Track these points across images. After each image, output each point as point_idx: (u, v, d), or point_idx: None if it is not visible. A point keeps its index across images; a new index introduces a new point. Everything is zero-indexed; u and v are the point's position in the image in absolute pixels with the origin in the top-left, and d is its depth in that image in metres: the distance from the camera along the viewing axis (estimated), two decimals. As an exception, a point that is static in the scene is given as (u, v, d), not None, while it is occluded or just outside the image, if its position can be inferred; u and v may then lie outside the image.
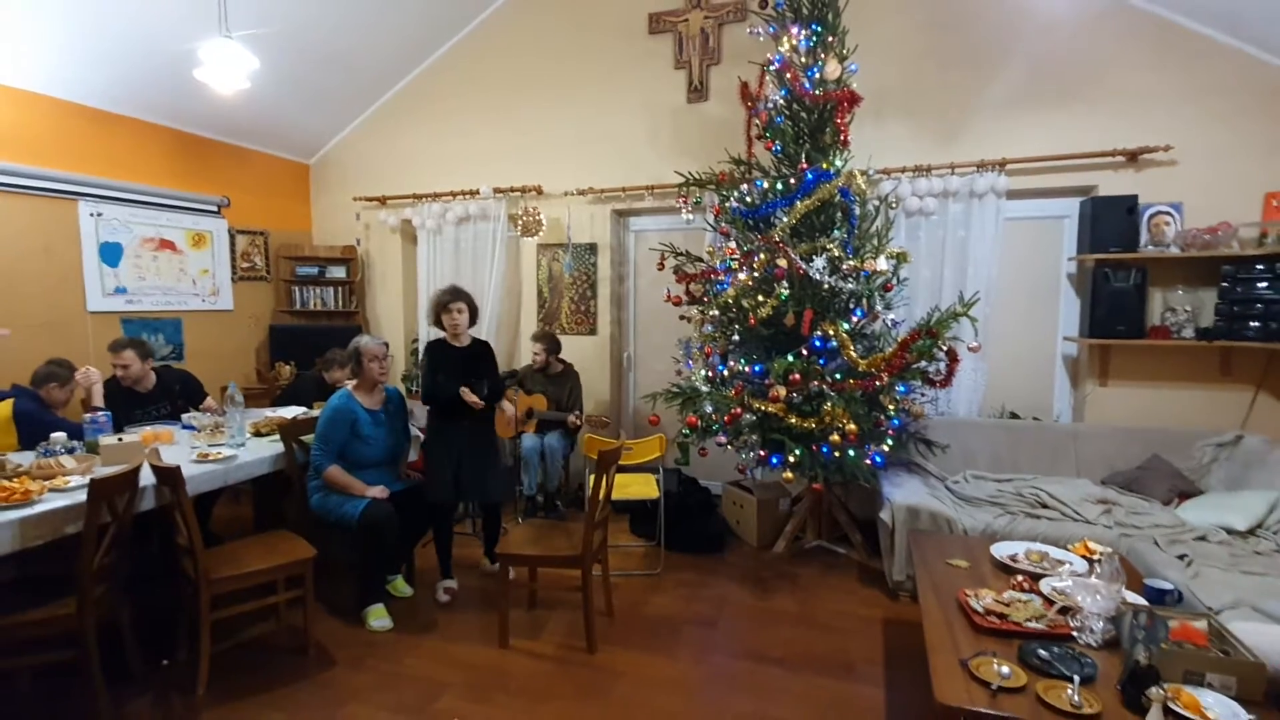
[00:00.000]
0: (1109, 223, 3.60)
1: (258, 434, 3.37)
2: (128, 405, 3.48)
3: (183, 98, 4.21)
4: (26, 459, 2.71)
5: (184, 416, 3.57)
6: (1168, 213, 3.60)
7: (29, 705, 2.37)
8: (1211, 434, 3.47)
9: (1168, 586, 2.18)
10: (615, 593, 3.23)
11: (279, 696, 2.45)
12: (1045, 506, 3.26)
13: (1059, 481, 3.47)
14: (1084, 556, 2.49)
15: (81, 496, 2.26)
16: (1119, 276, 3.58)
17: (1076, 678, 1.69)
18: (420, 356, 3.23)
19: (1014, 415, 4.10)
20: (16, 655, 2.21)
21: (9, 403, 3.04)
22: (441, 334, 3.40)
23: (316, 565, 2.77)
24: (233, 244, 5.03)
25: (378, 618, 2.99)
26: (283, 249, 5.40)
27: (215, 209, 4.87)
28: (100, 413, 3.07)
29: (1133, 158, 3.68)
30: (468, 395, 3.18)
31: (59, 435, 2.79)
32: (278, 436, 3.23)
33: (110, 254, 4.22)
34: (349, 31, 4.44)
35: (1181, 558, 2.66)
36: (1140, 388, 3.80)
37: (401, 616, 3.05)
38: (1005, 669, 1.76)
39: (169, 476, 2.39)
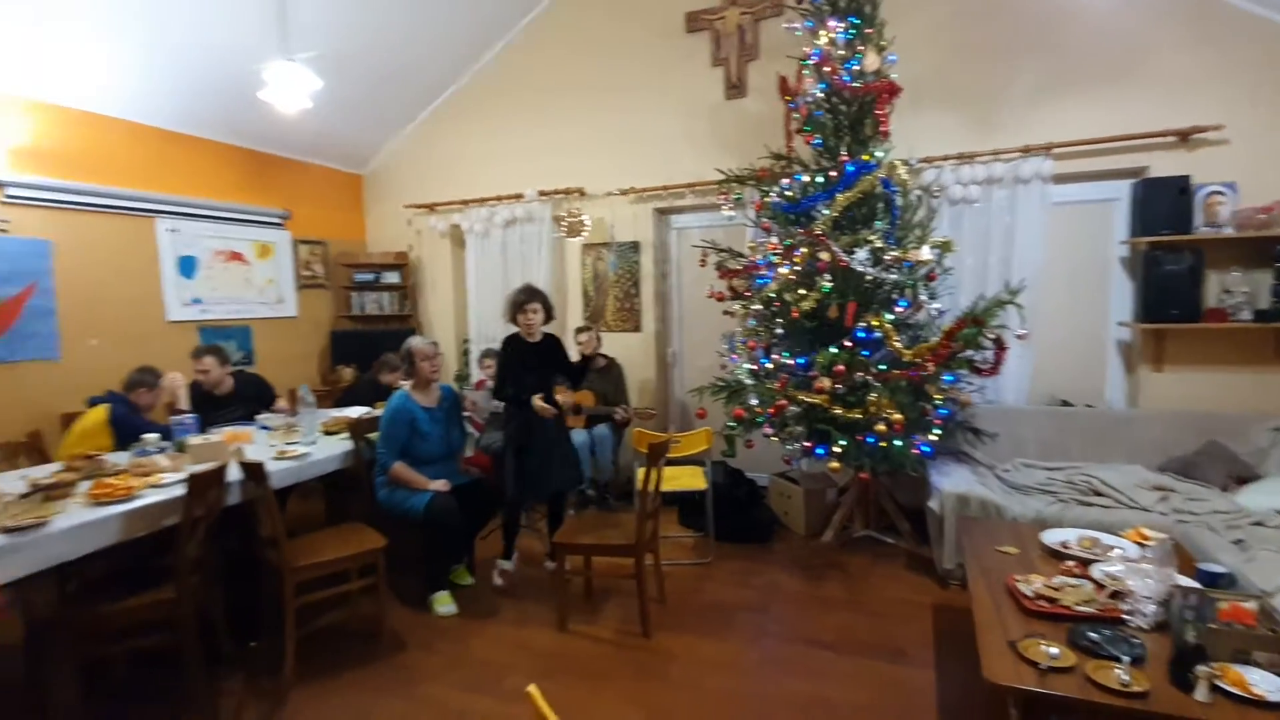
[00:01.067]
0: (1160, 204, 3.53)
1: (327, 433, 3.59)
2: (208, 408, 3.73)
3: (246, 116, 4.47)
4: (121, 459, 2.96)
5: (258, 417, 3.81)
6: (1221, 193, 3.51)
7: (132, 687, 2.61)
8: (1271, 418, 3.38)
9: (1220, 570, 2.17)
10: (667, 581, 3.35)
11: (358, 677, 2.64)
12: (1098, 494, 3.23)
13: (1112, 469, 3.43)
14: (1137, 542, 2.48)
15: (176, 492, 2.47)
16: (1171, 259, 3.51)
17: (1125, 658, 1.73)
18: (499, 351, 3.41)
19: (1064, 403, 4.05)
20: (121, 640, 2.44)
21: (105, 407, 3.31)
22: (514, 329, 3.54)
23: (385, 555, 2.96)
24: (295, 254, 5.31)
25: (443, 604, 3.17)
26: (340, 257, 5.66)
27: (278, 221, 5.15)
28: (187, 415, 3.32)
29: (1184, 137, 3.60)
30: (543, 409, 3.34)
31: (152, 436, 3.04)
32: (346, 435, 3.44)
33: (186, 267, 4.52)
34: (397, 47, 4.64)
35: (1237, 542, 2.63)
36: (1196, 372, 3.72)
37: (465, 603, 3.22)
38: (1054, 650, 1.80)
39: (254, 472, 2.59)
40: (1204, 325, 3.56)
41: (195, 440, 3.08)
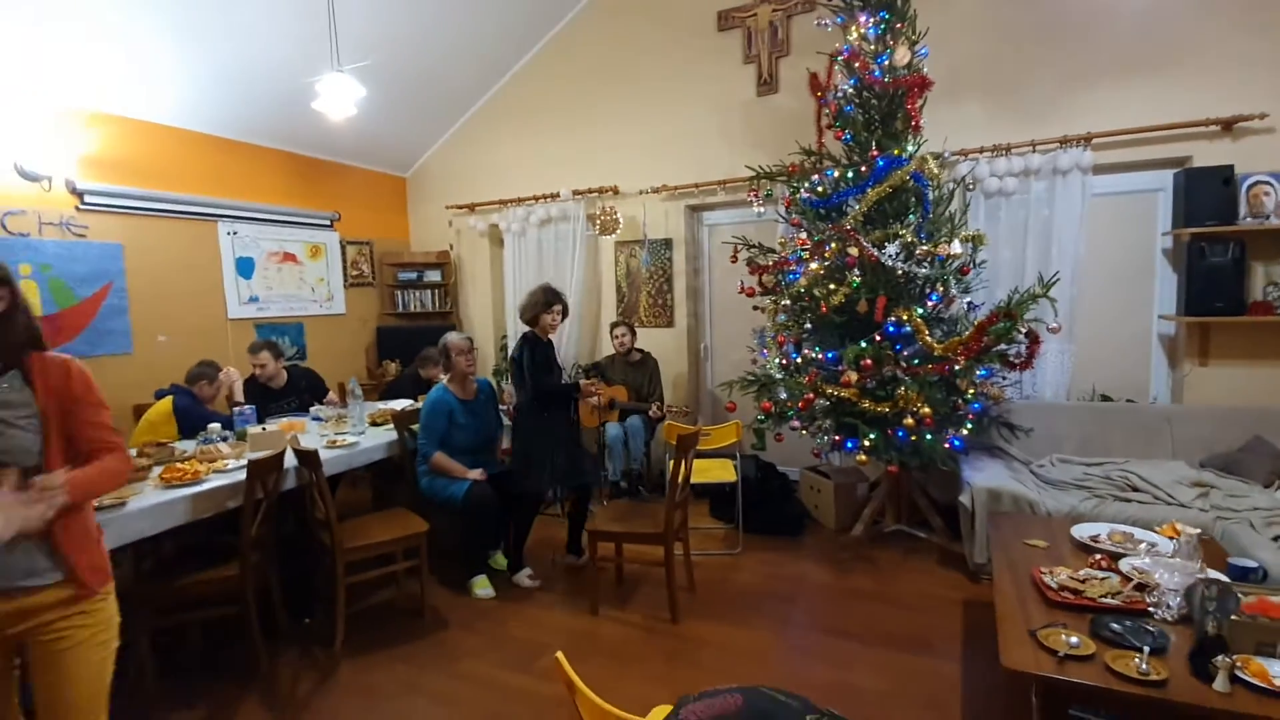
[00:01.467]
0: (1204, 195, 3.44)
1: (374, 424, 3.79)
2: (263, 400, 3.97)
3: (299, 124, 4.71)
4: (188, 446, 3.19)
5: (311, 409, 4.04)
6: (1268, 182, 3.40)
7: (202, 654, 2.83)
8: (1324, 413, 3.27)
9: (1252, 565, 2.15)
10: (696, 570, 3.43)
11: (403, 652, 2.80)
12: (1136, 490, 3.18)
13: (1151, 465, 3.37)
14: (1170, 538, 2.45)
15: (239, 476, 2.67)
16: (1215, 250, 3.42)
17: (1146, 648, 1.74)
18: (520, 351, 3.50)
19: (1105, 398, 3.98)
20: (190, 610, 2.65)
21: (169, 399, 3.56)
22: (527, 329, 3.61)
23: (427, 540, 3.12)
24: (344, 254, 5.56)
25: (482, 587, 3.32)
26: (385, 256, 5.90)
27: (328, 223, 5.39)
28: (246, 406, 3.55)
29: (1228, 127, 3.49)
30: (591, 385, 3.50)
31: (215, 425, 3.27)
32: (390, 425, 3.63)
33: (244, 267, 4.79)
34: (437, 55, 4.82)
35: (1277, 539, 2.58)
36: (1243, 367, 3.61)
37: (501, 587, 3.37)
38: (1074, 639, 1.82)
39: (309, 459, 2.78)
40: (1250, 319, 3.46)
41: (254, 429, 3.30)
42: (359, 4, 4.00)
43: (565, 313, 3.62)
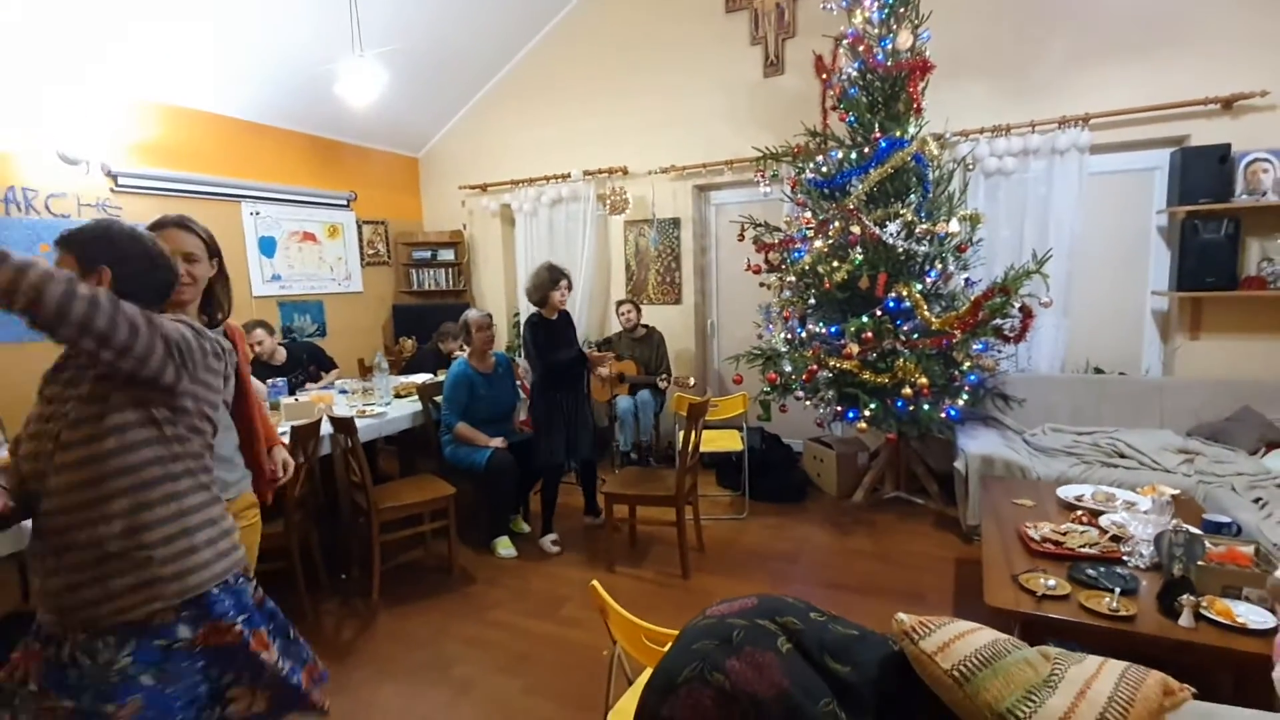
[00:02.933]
0: (1199, 173, 3.55)
1: (398, 396, 3.98)
2: (265, 376, 4.12)
3: (318, 106, 4.84)
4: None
5: (336, 383, 4.22)
6: (1266, 160, 3.51)
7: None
8: (1308, 384, 3.43)
9: (1226, 520, 2.32)
10: (705, 533, 3.63)
11: (435, 603, 3.02)
12: (1123, 456, 3.36)
13: (1140, 433, 3.54)
14: (1150, 497, 2.63)
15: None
16: (1209, 227, 3.55)
17: (1117, 589, 1.93)
18: (526, 334, 3.65)
19: (1098, 371, 4.14)
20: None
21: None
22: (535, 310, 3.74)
23: (454, 503, 3.32)
24: (360, 233, 5.72)
25: (505, 547, 3.53)
26: (400, 236, 6.06)
27: (345, 203, 5.55)
28: (279, 378, 3.74)
29: (1227, 105, 3.60)
30: (599, 357, 3.68)
31: (261, 387, 3.44)
32: (415, 397, 3.82)
33: (267, 246, 4.96)
34: (450, 37, 4.93)
35: (1257, 501, 2.75)
36: (1234, 340, 3.76)
37: (522, 547, 3.58)
38: (1052, 581, 2.01)
39: (345, 425, 2.97)
40: (1242, 293, 3.60)
41: (287, 400, 3.49)
42: (378, -11, 4.11)
43: (570, 286, 3.77)
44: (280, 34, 4.13)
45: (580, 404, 3.75)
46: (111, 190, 4.03)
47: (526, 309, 5.73)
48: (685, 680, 0.90)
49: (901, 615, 1.05)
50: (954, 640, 0.99)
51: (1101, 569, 2.07)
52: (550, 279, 3.64)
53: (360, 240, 5.75)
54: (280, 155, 5.06)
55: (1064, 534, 2.33)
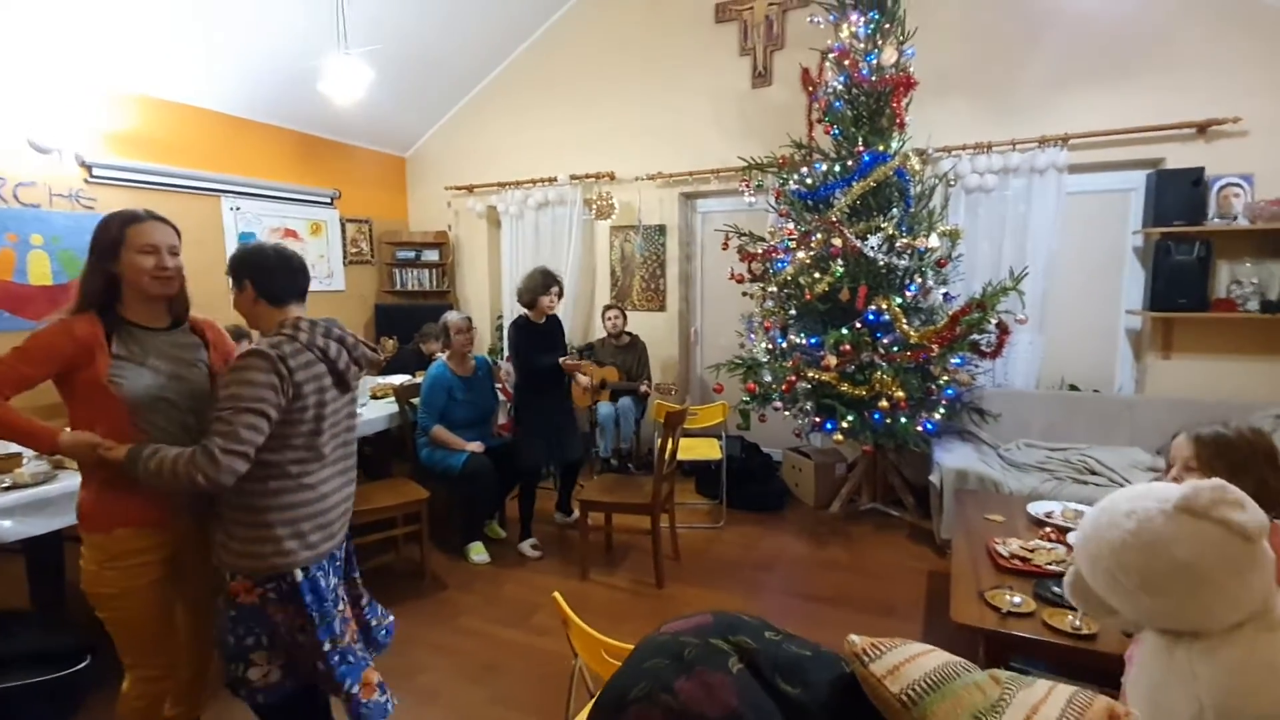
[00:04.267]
0: (1174, 196, 3.62)
1: (374, 397, 3.94)
2: None
3: (303, 103, 4.80)
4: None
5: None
6: (1238, 185, 3.58)
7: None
8: (1274, 404, 3.48)
9: (1188, 539, 2.34)
10: (681, 541, 3.62)
11: (406, 609, 2.98)
12: (1093, 473, 3.40)
13: (1110, 450, 3.59)
14: (1117, 514, 2.66)
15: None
16: (1181, 249, 3.61)
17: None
18: (507, 333, 3.65)
19: (1073, 387, 4.19)
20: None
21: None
22: (523, 312, 3.74)
23: (427, 508, 3.29)
24: (343, 232, 5.67)
25: (478, 553, 3.51)
26: (384, 235, 6.02)
27: (329, 201, 5.50)
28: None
29: (1201, 130, 3.67)
30: (578, 369, 3.62)
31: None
32: (391, 399, 3.79)
33: (247, 242, 4.90)
34: (441, 36, 4.92)
35: (1220, 520, 2.79)
36: (1204, 360, 3.83)
37: (496, 553, 3.56)
38: (1017, 599, 2.03)
39: (317, 427, 2.94)
40: (1212, 315, 3.66)
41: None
42: (365, -13, 4.09)
43: (561, 293, 3.76)
44: (265, 28, 4.09)
45: (564, 408, 3.74)
46: (85, 181, 3.97)
47: (511, 311, 5.73)
48: (634, 700, 0.89)
49: (853, 636, 1.05)
50: (904, 663, 0.99)
51: (1066, 586, 2.09)
52: (542, 283, 3.63)
53: (344, 238, 5.70)
54: (263, 151, 5.01)
55: (1032, 551, 2.35)
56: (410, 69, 5.08)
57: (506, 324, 5.64)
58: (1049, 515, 2.74)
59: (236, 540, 1.55)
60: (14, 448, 2.51)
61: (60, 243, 3.88)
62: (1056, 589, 2.08)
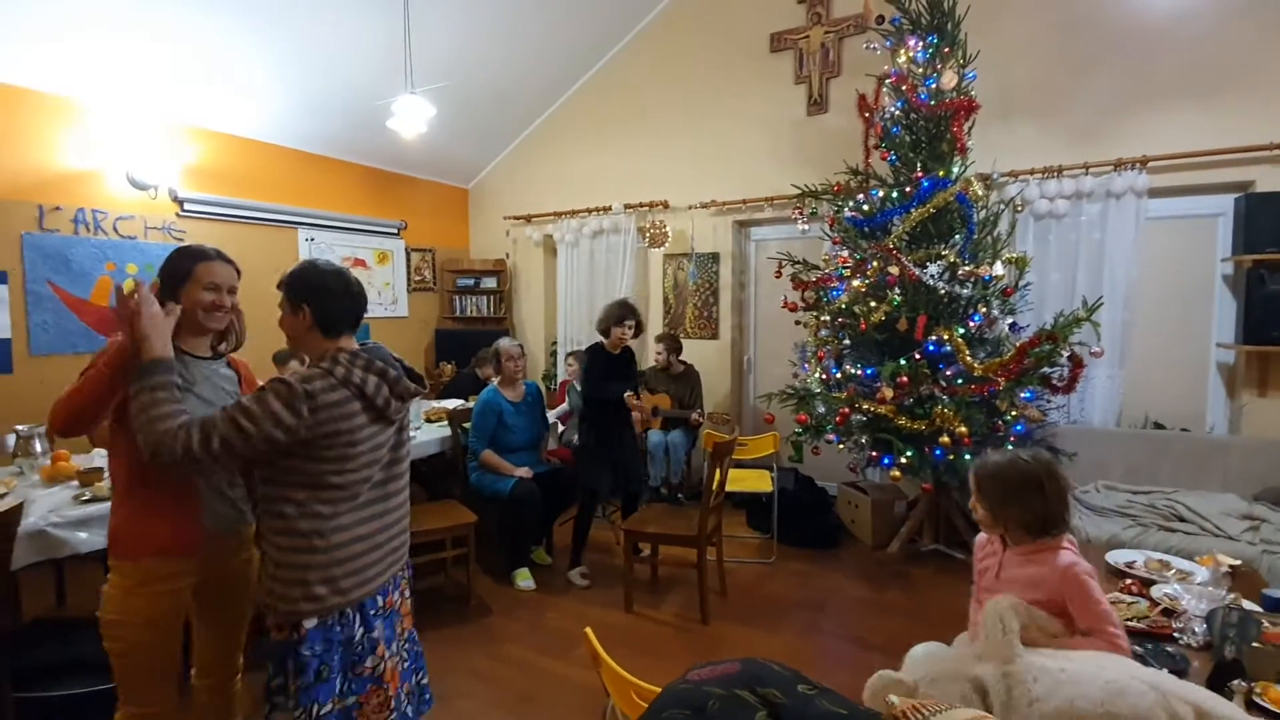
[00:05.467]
0: (1266, 220, 3.35)
1: (428, 420, 4.04)
2: None
3: (372, 139, 5.06)
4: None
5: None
6: (1342, 208, 3.29)
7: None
8: (1394, 450, 3.14)
9: (1289, 597, 2.11)
10: (729, 576, 3.52)
11: (451, 634, 3.01)
12: (1182, 520, 3.13)
13: (1201, 496, 3.29)
14: (1208, 568, 2.43)
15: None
16: (1277, 279, 3.33)
17: (1165, 669, 1.76)
18: (583, 356, 3.69)
19: (1158, 425, 3.89)
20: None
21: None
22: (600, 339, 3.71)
23: (474, 531, 3.32)
24: (408, 260, 5.91)
25: (524, 579, 3.50)
26: (446, 263, 6.23)
27: (395, 231, 5.75)
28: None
29: (1295, 150, 3.40)
30: (637, 405, 3.60)
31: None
32: (445, 422, 3.87)
33: (318, 271, 5.17)
34: (503, 74, 5.11)
35: (1331, 577, 2.51)
36: (1308, 399, 3.49)
37: (542, 580, 3.54)
38: (1093, 657, 1.86)
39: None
40: (1317, 350, 3.35)
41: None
42: (433, 32, 4.30)
43: (639, 329, 3.69)
44: (338, 70, 4.36)
45: (627, 436, 3.72)
46: (177, 215, 4.28)
47: (564, 339, 5.82)
48: (652, 752, 0.85)
49: (894, 697, 0.98)
50: (949, 728, 0.91)
51: (1149, 646, 1.90)
52: (616, 315, 3.61)
53: (408, 266, 5.93)
54: (336, 184, 5.30)
55: (1111, 605, 2.16)
56: (473, 105, 5.29)
57: (561, 351, 5.76)
58: (1130, 565, 2.52)
59: (271, 579, 1.48)
60: (99, 461, 2.69)
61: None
62: (1138, 649, 1.90)
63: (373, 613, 1.55)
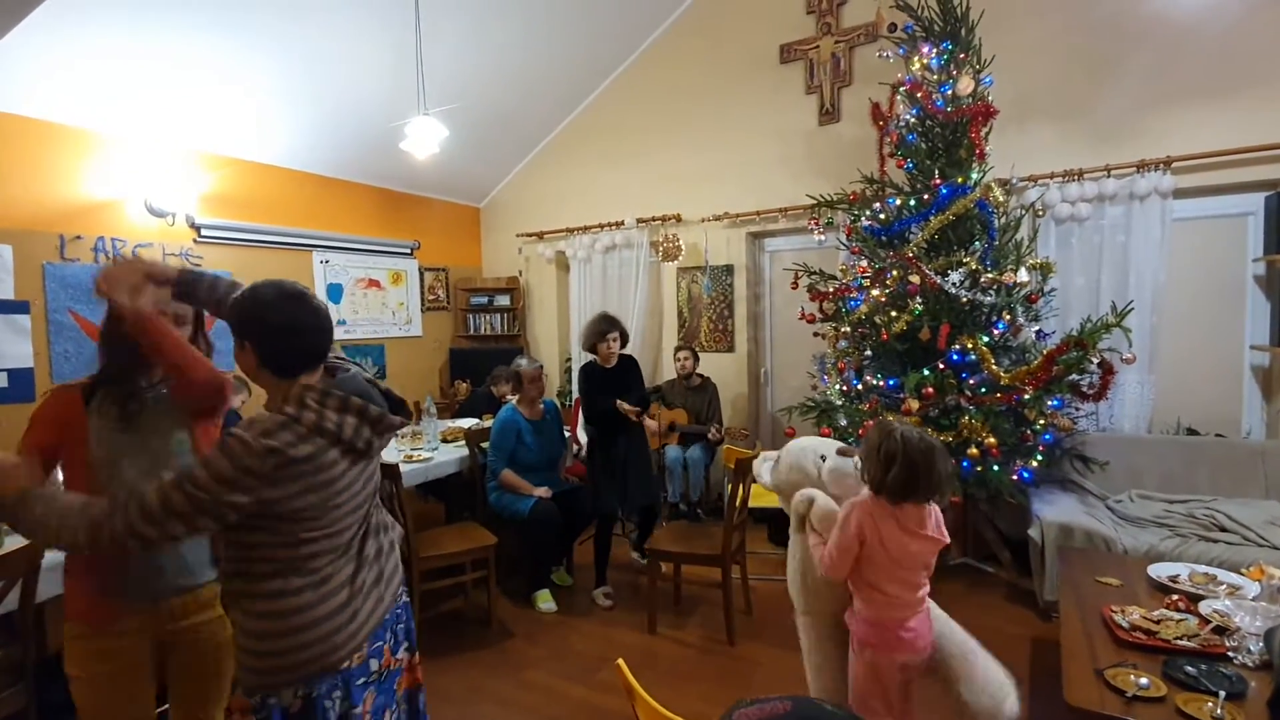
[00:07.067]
0: (1299, 219, 3.27)
1: (445, 440, 4.01)
2: None
3: (385, 161, 5.09)
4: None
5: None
6: (1378, 204, 3.20)
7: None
8: None
9: (1350, 613, 2.01)
10: (754, 593, 3.45)
11: (472, 658, 2.95)
12: (1223, 529, 3.02)
13: (1242, 504, 3.18)
14: (1257, 580, 2.33)
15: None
16: (1314, 278, 3.24)
17: (1222, 693, 1.68)
18: (575, 379, 3.65)
19: (1192, 431, 3.78)
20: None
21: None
22: (591, 357, 3.75)
23: (494, 553, 3.27)
24: (422, 280, 5.92)
25: (544, 601, 3.45)
26: (459, 282, 6.24)
27: (409, 251, 5.77)
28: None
29: (1328, 146, 3.32)
30: (623, 407, 3.55)
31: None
32: (462, 442, 3.84)
33: (334, 293, 5.19)
34: (514, 93, 5.13)
35: (1389, 589, 2.39)
36: (1351, 401, 3.38)
37: (563, 601, 3.49)
38: (1144, 680, 1.77)
39: (390, 472, 2.99)
40: (1357, 350, 3.24)
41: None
42: (445, 54, 4.32)
43: (624, 340, 3.69)
44: (352, 94, 4.39)
45: (633, 450, 3.65)
46: (194, 241, 4.31)
47: (578, 356, 5.78)
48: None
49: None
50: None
51: (1203, 666, 1.82)
52: (597, 330, 3.61)
53: (422, 286, 5.94)
54: (349, 207, 5.33)
55: (1157, 622, 2.07)
56: (485, 124, 5.31)
57: (575, 367, 5.73)
58: (1174, 579, 2.42)
59: (240, 650, 1.26)
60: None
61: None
62: (1190, 669, 1.82)
63: (360, 681, 1.31)
